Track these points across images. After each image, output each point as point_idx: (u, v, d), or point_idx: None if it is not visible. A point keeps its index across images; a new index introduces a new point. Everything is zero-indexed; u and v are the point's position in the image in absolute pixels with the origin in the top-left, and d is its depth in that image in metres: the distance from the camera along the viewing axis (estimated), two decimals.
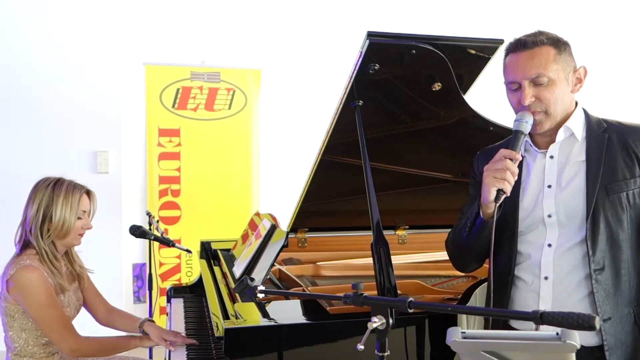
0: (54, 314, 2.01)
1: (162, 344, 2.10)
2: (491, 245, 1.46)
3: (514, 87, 1.54)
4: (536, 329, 1.45)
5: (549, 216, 1.54)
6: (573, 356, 0.96)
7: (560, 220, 1.53)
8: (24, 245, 2.08)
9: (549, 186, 1.56)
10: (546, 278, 1.53)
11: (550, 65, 1.49)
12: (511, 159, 1.46)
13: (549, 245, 1.54)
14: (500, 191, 1.45)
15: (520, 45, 1.53)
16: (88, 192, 2.16)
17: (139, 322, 2.25)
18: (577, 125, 1.56)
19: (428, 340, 1.76)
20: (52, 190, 2.06)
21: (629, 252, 1.50)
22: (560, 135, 1.56)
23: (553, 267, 1.53)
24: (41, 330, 2.04)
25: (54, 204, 2.05)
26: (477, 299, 1.96)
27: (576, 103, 1.59)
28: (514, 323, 1.63)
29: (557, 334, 0.96)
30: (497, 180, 1.45)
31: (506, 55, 1.58)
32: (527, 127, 1.50)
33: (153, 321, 2.26)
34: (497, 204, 1.47)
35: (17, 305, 2.02)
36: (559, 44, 1.52)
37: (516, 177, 1.48)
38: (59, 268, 2.11)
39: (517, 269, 1.60)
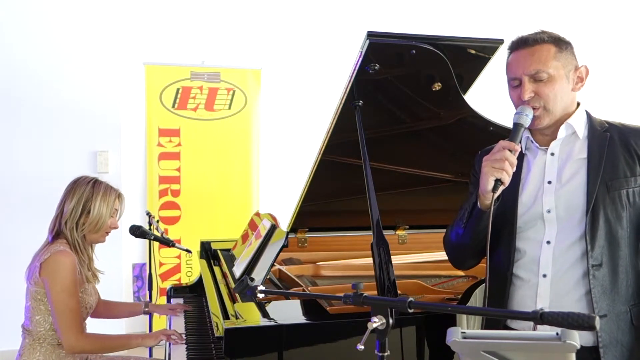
0: (70, 304, 2.10)
1: (169, 313, 2.35)
2: (487, 240, 1.45)
3: (515, 84, 1.56)
4: (534, 329, 1.46)
5: (548, 211, 1.53)
6: (573, 356, 0.96)
7: (559, 215, 1.52)
8: (56, 235, 2.21)
9: (549, 182, 1.55)
10: (544, 276, 1.52)
11: (550, 61, 1.51)
12: (510, 150, 1.46)
13: (548, 242, 1.53)
14: (498, 181, 1.46)
15: (521, 43, 1.55)
16: (119, 195, 2.32)
17: (142, 305, 2.52)
18: (579, 124, 1.57)
19: (428, 340, 1.76)
20: (93, 187, 2.23)
21: (627, 251, 1.49)
22: (562, 132, 1.57)
23: (552, 264, 1.51)
24: (54, 315, 2.11)
25: (93, 199, 2.21)
26: (477, 299, 1.96)
27: (578, 104, 1.59)
28: (511, 323, 1.62)
29: (557, 334, 0.96)
30: (495, 170, 1.45)
31: (509, 54, 1.60)
32: (526, 120, 1.51)
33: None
34: (495, 195, 1.46)
35: (45, 289, 2.13)
36: (560, 43, 1.54)
37: (514, 168, 1.48)
38: (85, 260, 2.25)
39: (516, 266, 1.58)
